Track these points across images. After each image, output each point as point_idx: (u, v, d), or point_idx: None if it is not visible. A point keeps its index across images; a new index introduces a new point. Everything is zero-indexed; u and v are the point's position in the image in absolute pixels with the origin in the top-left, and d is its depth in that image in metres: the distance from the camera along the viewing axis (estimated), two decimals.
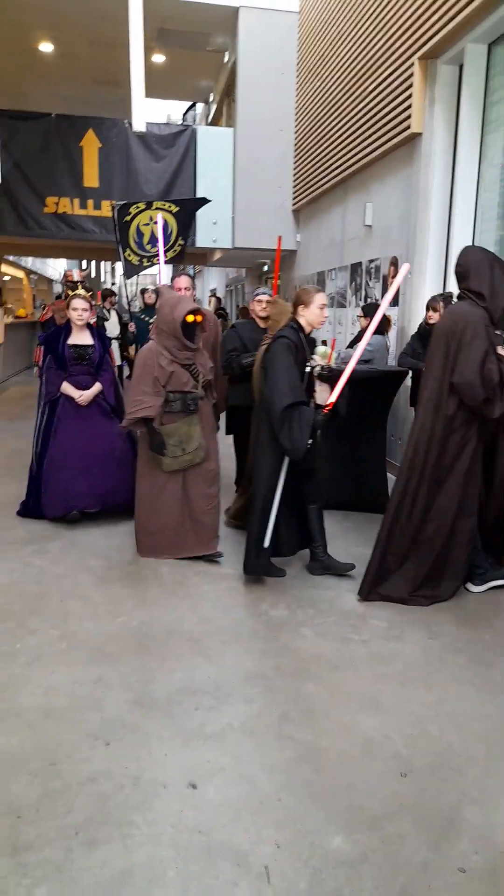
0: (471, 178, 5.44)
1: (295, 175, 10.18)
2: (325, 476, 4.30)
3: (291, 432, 3.58)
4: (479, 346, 3.46)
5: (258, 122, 10.12)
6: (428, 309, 5.26)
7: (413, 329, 5.68)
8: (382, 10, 6.56)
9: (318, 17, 8.83)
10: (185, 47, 11.61)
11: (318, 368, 3.82)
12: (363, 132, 7.17)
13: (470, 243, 5.57)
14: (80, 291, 4.78)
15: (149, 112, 10.18)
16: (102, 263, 33.72)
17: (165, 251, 5.70)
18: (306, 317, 3.83)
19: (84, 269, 6.27)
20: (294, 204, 10.30)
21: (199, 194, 10.42)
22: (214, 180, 10.35)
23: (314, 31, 9.03)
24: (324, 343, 4.10)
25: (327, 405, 3.67)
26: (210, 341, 5.07)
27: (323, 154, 8.68)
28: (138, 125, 6.67)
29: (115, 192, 10.30)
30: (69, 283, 6.04)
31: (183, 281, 5.18)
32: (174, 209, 6.00)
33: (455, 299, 5.21)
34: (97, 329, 5.04)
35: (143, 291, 6.79)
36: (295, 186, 10.21)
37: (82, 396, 4.81)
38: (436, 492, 3.68)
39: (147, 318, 6.45)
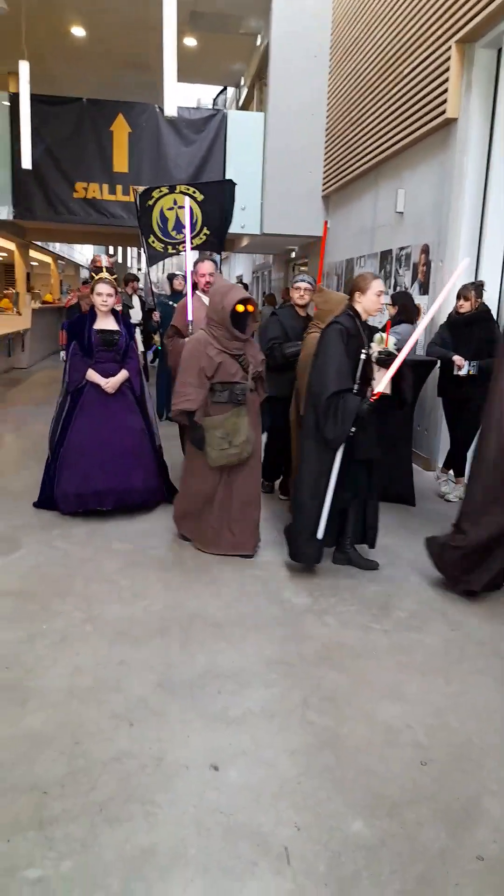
0: None
1: (326, 160, 10.10)
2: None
3: (335, 421, 3.54)
4: None
5: (290, 107, 10.03)
6: (459, 298, 5.19)
7: (443, 318, 5.62)
8: None
9: (353, 0, 8.70)
10: (216, 30, 11.55)
11: (375, 353, 3.72)
12: (397, 117, 7.08)
13: (503, 231, 5.50)
14: (105, 275, 4.64)
15: (179, 96, 10.15)
16: (129, 249, 33.79)
17: (191, 238, 5.61)
18: (363, 303, 3.75)
19: (111, 256, 6.10)
20: (324, 190, 10.22)
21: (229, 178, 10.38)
22: (244, 165, 10.31)
23: (348, 14, 8.91)
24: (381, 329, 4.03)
25: (375, 393, 3.61)
26: None
27: (355, 139, 8.59)
28: (170, 110, 6.57)
29: (145, 177, 10.31)
30: (95, 268, 5.95)
31: (206, 266, 5.08)
32: (199, 197, 5.88)
33: (485, 289, 5.17)
34: (122, 315, 4.92)
35: (173, 277, 6.61)
36: (325, 172, 10.12)
37: (109, 383, 4.65)
38: None
39: (173, 304, 6.33)
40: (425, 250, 6.51)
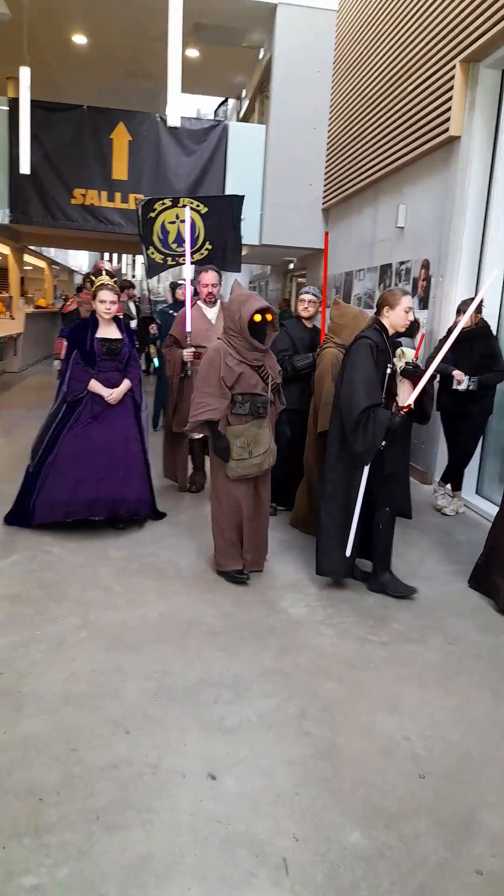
0: None
1: (326, 174, 10.17)
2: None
3: (365, 435, 3.51)
4: None
5: (291, 120, 10.11)
6: (458, 313, 5.23)
7: (441, 333, 5.66)
8: (424, 11, 6.54)
9: (358, 16, 8.81)
10: (219, 43, 11.62)
11: (402, 365, 3.71)
12: (399, 133, 7.15)
13: None
14: (106, 280, 4.51)
15: (182, 106, 10.22)
16: (124, 256, 33.82)
17: (192, 253, 5.59)
18: (391, 318, 3.74)
19: (113, 263, 5.95)
20: (324, 203, 10.29)
21: (229, 190, 10.42)
22: (244, 176, 10.36)
23: (353, 29, 9.01)
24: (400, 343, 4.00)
25: (405, 406, 3.61)
26: None
27: (356, 154, 8.66)
28: (173, 120, 6.57)
29: (144, 185, 10.35)
30: (97, 273, 5.88)
31: (209, 277, 5.10)
32: (203, 209, 5.79)
33: (484, 305, 5.20)
34: (124, 323, 4.75)
35: (176, 286, 6.53)
36: (326, 185, 10.20)
37: (113, 395, 4.48)
38: None
39: (174, 314, 6.27)
40: (425, 265, 6.56)
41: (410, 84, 6.86)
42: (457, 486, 5.58)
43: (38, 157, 9.99)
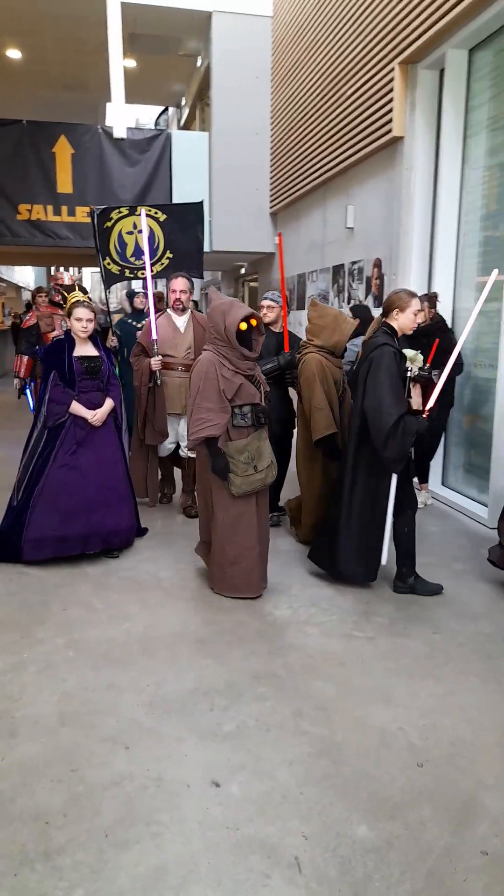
0: (454, 180, 5.55)
1: (272, 178, 10.27)
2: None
3: (397, 443, 3.49)
4: None
5: (233, 126, 10.20)
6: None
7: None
8: (360, 15, 6.67)
9: (293, 22, 8.93)
10: (156, 52, 11.66)
11: (415, 370, 3.71)
12: (343, 136, 7.27)
13: (454, 245, 5.69)
14: (80, 296, 4.32)
15: (121, 117, 10.20)
16: (72, 269, 33.43)
17: (152, 265, 5.50)
18: (400, 321, 3.71)
19: (70, 274, 5.76)
20: (272, 207, 10.38)
21: (176, 198, 10.43)
22: (190, 184, 10.39)
23: (289, 35, 9.12)
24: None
25: (426, 411, 3.61)
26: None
27: (301, 157, 8.77)
28: (119, 131, 6.55)
29: (90, 197, 10.28)
30: (60, 288, 5.71)
31: (179, 283, 4.99)
32: (161, 217, 5.71)
33: (439, 300, 5.33)
34: (98, 339, 4.56)
35: (133, 295, 6.39)
36: (272, 190, 10.29)
37: (96, 416, 4.28)
38: None
39: (135, 324, 6.16)
40: (378, 264, 6.68)
41: (351, 87, 6.99)
42: (423, 479, 5.70)
43: None
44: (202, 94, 12.68)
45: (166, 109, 17.28)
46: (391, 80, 5.99)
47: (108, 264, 5.86)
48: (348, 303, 7.31)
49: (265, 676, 3.02)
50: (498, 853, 2.05)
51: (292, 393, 4.84)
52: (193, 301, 5.29)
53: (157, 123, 18.32)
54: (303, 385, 4.42)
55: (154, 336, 4.90)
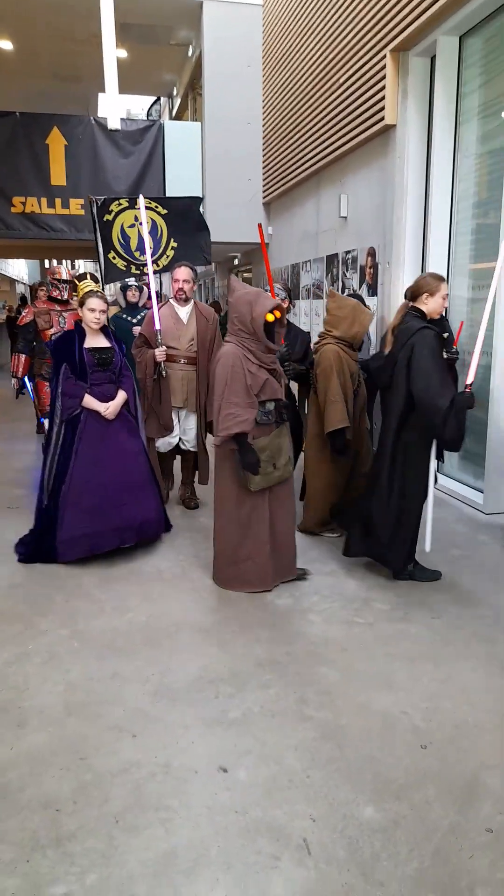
0: (446, 168, 5.55)
1: (265, 168, 10.24)
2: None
3: (456, 422, 3.45)
4: None
5: (225, 116, 10.15)
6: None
7: (391, 318, 5.77)
8: (350, 3, 6.64)
9: (283, 10, 8.88)
10: (147, 42, 11.59)
11: (446, 354, 3.71)
12: (335, 124, 7.25)
13: (447, 233, 5.70)
14: (92, 285, 4.14)
15: (115, 108, 10.16)
16: (64, 262, 33.30)
17: (156, 260, 5.38)
18: (429, 305, 3.70)
19: (67, 267, 5.60)
20: (265, 197, 10.36)
21: (169, 189, 10.41)
22: (183, 175, 10.37)
23: (279, 23, 9.08)
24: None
25: (468, 385, 3.54)
26: (208, 338, 4.93)
27: (293, 147, 8.74)
28: (113, 123, 6.50)
29: (83, 189, 10.25)
30: (58, 282, 5.62)
31: (182, 272, 4.84)
32: (162, 211, 5.57)
33: None
34: (109, 329, 4.44)
35: (126, 288, 6.34)
36: (265, 179, 10.27)
37: (109, 409, 4.22)
38: None
39: (130, 319, 6.11)
40: (371, 253, 6.68)
41: (343, 75, 6.96)
42: None
43: None
44: (194, 83, 12.61)
45: (158, 99, 17.18)
46: (383, 67, 5.97)
47: (114, 258, 5.74)
48: (342, 292, 7.31)
49: (269, 664, 3.05)
50: (502, 830, 2.09)
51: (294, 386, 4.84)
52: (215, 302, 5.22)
53: (148, 114, 18.22)
54: (319, 376, 4.39)
55: (158, 326, 4.77)
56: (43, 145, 10.20)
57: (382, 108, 6.05)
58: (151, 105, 17.99)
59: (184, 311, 4.97)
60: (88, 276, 4.44)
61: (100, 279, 5.72)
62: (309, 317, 8.69)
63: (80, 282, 4.38)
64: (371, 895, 1.87)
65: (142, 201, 5.23)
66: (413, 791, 2.25)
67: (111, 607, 3.64)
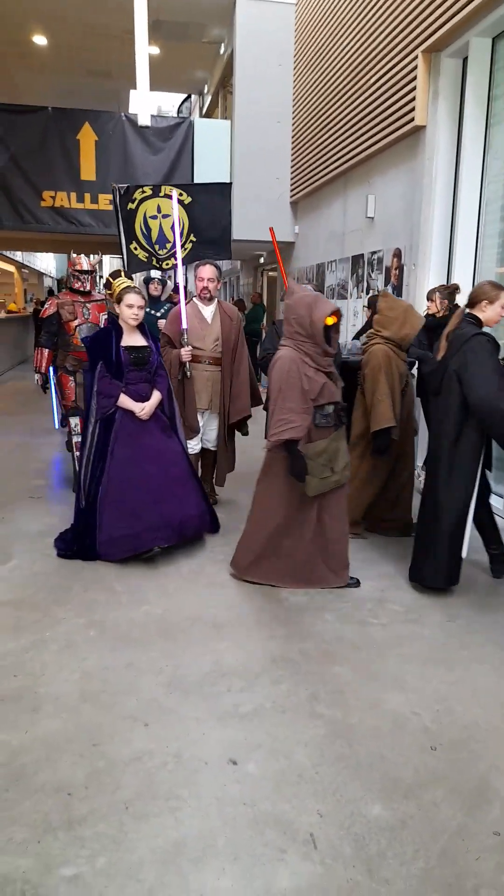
0: (475, 170, 5.51)
1: (293, 167, 10.24)
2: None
3: None
4: None
5: (256, 114, 10.16)
6: (427, 300, 5.33)
7: None
8: (383, 3, 6.63)
9: (316, 9, 8.87)
10: (180, 39, 11.63)
11: None
12: (364, 124, 7.23)
13: (474, 235, 5.67)
14: (129, 282, 4.11)
15: (146, 105, 10.23)
16: (91, 256, 33.54)
17: (174, 254, 5.26)
18: (487, 313, 3.67)
19: (88, 258, 5.51)
20: (292, 196, 10.36)
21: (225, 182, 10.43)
22: (211, 172, 10.39)
23: (312, 22, 9.07)
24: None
25: None
26: (233, 338, 4.90)
27: (322, 146, 8.74)
28: (144, 119, 6.52)
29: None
30: (80, 273, 5.56)
31: (207, 271, 4.79)
32: (187, 199, 5.48)
33: (459, 292, 5.31)
34: (146, 327, 4.36)
35: (149, 281, 6.22)
36: (293, 178, 10.27)
37: (144, 409, 4.18)
38: None
39: (154, 312, 6.14)
40: (397, 254, 6.67)
41: (374, 75, 6.95)
42: None
43: (4, 161, 10.00)
44: (225, 81, 12.64)
45: (189, 97, 17.24)
46: (414, 68, 5.95)
47: (135, 249, 5.69)
48: (367, 293, 7.30)
49: (282, 660, 3.07)
50: None
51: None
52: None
53: (179, 111, 18.29)
54: (367, 375, 4.39)
55: (184, 325, 4.72)
56: (74, 140, 10.30)
57: (413, 109, 6.03)
58: (182, 102, 18.06)
59: (208, 311, 4.92)
60: (122, 274, 4.41)
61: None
62: None
63: (114, 279, 4.35)
64: (376, 892, 1.88)
65: (175, 199, 5.16)
66: (421, 791, 2.26)
67: (128, 599, 3.68)
